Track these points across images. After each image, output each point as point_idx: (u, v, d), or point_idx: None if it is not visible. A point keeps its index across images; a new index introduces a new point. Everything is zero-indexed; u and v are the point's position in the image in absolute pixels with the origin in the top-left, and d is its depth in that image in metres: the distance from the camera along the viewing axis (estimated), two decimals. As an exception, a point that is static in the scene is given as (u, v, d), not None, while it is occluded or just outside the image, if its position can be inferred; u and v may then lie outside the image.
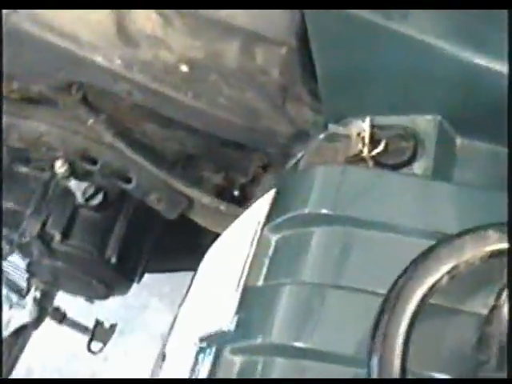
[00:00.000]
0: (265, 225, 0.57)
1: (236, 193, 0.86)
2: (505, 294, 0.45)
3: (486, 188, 0.55)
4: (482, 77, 0.54)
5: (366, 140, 0.57)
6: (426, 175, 0.56)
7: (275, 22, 0.59)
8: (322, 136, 0.63)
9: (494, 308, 0.46)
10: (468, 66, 0.53)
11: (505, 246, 0.41)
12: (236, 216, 0.84)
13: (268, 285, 0.54)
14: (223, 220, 0.88)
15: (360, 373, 0.46)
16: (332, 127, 0.62)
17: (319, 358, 0.49)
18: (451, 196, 0.54)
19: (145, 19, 0.62)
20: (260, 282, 0.55)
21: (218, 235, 0.96)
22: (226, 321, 0.54)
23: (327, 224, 0.54)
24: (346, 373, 0.48)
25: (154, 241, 0.93)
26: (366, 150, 0.57)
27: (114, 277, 0.89)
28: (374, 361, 0.40)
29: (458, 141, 0.59)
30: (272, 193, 0.59)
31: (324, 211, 0.54)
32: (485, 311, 0.46)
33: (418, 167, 0.57)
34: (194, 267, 0.92)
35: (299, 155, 0.67)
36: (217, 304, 0.58)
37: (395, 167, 0.57)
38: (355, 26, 0.55)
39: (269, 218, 0.58)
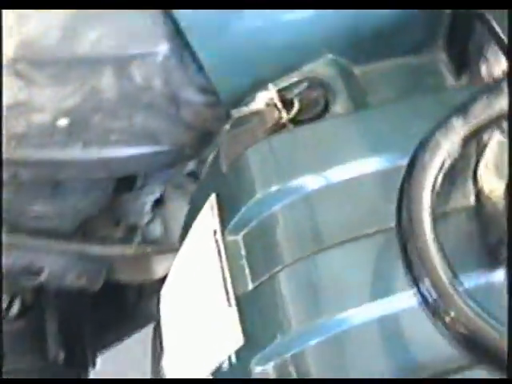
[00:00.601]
0: (223, 230, 0.54)
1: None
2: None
3: (404, 98, 0.56)
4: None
5: (279, 105, 0.56)
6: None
7: (141, 34, 0.56)
8: (228, 126, 0.61)
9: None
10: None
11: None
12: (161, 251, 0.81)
13: (260, 283, 0.51)
14: (150, 263, 0.84)
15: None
16: (236, 111, 0.59)
17: (346, 322, 0.47)
18: (382, 117, 0.53)
19: (5, 88, 0.56)
20: (250, 286, 0.51)
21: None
22: (234, 341, 0.50)
23: (284, 198, 0.52)
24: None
25: (92, 319, 0.87)
26: (284, 115, 0.55)
27: (67, 372, 0.82)
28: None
29: (356, 70, 0.59)
30: (212, 199, 0.56)
31: (274, 188, 0.52)
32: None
33: (338, 109, 0.56)
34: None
35: (210, 156, 0.64)
36: (214, 328, 0.54)
37: (317, 119, 0.56)
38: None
39: (223, 222, 0.55)
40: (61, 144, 0.61)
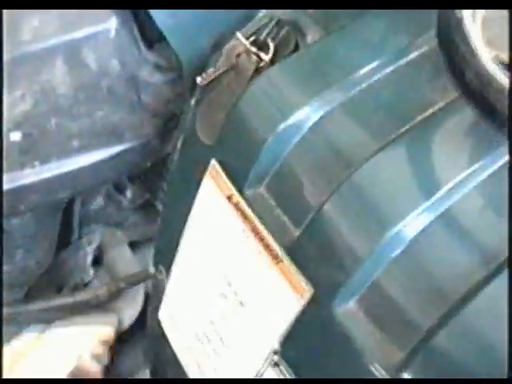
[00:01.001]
0: (240, 190, 0.49)
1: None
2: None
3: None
4: None
5: (254, 50, 0.52)
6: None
7: (87, 11, 0.50)
8: (193, 100, 0.56)
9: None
10: None
11: None
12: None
13: (306, 226, 0.45)
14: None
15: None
16: (201, 79, 0.54)
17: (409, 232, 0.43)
18: (361, 29, 0.51)
19: None
20: (295, 232, 0.46)
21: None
22: (301, 294, 0.45)
23: (296, 132, 0.47)
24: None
25: None
26: (264, 57, 0.52)
27: None
28: None
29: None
30: (214, 166, 0.50)
31: (282, 126, 0.47)
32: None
33: (310, 40, 0.53)
34: None
35: (179, 143, 0.58)
36: (267, 292, 0.48)
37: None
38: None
39: (236, 184, 0.49)
40: (16, 166, 0.52)
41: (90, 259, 0.81)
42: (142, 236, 0.81)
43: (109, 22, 0.51)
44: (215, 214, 0.51)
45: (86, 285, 0.80)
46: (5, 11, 0.48)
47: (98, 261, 0.82)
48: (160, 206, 0.73)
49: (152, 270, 0.68)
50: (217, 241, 0.52)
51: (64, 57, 0.50)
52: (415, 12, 0.52)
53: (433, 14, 0.51)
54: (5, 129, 0.50)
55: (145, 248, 0.83)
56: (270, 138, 0.47)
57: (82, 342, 0.72)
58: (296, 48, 0.53)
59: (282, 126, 0.47)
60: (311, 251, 0.45)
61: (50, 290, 0.79)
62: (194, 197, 0.54)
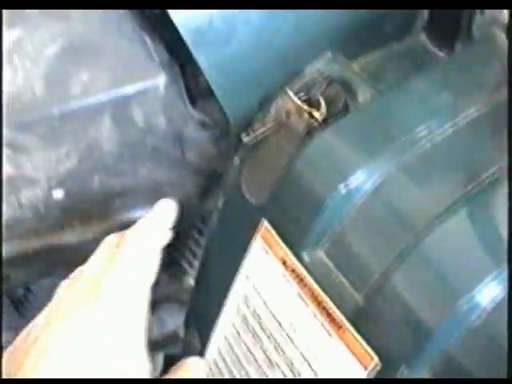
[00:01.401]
0: (297, 254, 0.46)
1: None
2: None
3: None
4: None
5: (306, 107, 0.51)
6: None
7: (137, 66, 0.49)
8: (237, 158, 0.54)
9: None
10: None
11: None
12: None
13: (373, 292, 0.43)
14: None
15: None
16: (251, 134, 0.53)
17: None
18: (412, 91, 0.50)
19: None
20: (359, 299, 0.44)
21: None
22: (366, 366, 0.42)
23: (357, 194, 0.45)
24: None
25: None
26: (317, 115, 0.50)
27: None
28: None
29: (360, 61, 0.56)
30: (266, 227, 0.48)
31: (343, 189, 0.45)
32: None
33: (361, 99, 0.52)
34: None
35: (220, 202, 0.56)
36: (327, 366, 0.45)
37: (342, 114, 0.51)
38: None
39: (291, 246, 0.47)
40: (56, 226, 0.50)
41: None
42: (161, 294, 0.78)
43: (158, 78, 0.49)
44: (266, 277, 0.49)
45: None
46: (53, 57, 0.46)
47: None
48: (186, 265, 0.70)
49: (182, 332, 0.65)
50: (268, 306, 0.49)
51: (112, 113, 0.48)
52: (468, 69, 0.51)
53: (487, 70, 0.51)
54: (47, 186, 0.48)
55: (162, 307, 0.81)
56: (329, 199, 0.45)
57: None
58: (345, 106, 0.52)
59: (342, 187, 0.45)
60: (377, 320, 0.43)
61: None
62: (239, 259, 0.52)
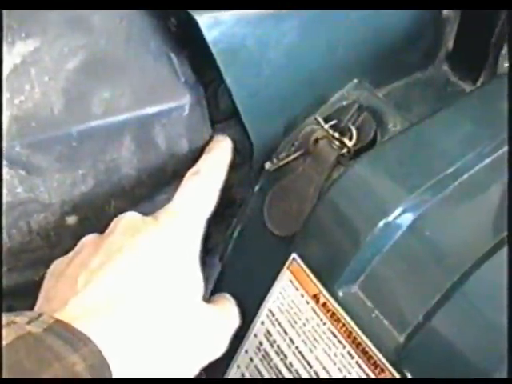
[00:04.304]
0: (331, 290, 0.44)
1: None
2: None
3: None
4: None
5: (336, 135, 0.48)
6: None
7: (161, 85, 0.45)
8: (257, 186, 0.51)
9: None
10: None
11: None
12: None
13: (413, 330, 0.41)
14: None
15: None
16: (275, 161, 0.50)
17: None
18: (444, 122, 0.48)
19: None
20: (400, 338, 0.41)
21: None
22: None
23: (395, 230, 0.43)
24: None
25: None
26: (348, 144, 0.48)
27: None
28: None
29: (384, 89, 0.54)
30: (297, 260, 0.45)
31: (381, 223, 0.43)
32: None
33: (391, 127, 0.50)
34: None
35: (236, 231, 0.53)
36: None
37: (373, 143, 0.49)
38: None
39: (327, 282, 0.44)
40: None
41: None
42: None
43: (183, 99, 0.46)
44: (294, 313, 0.46)
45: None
46: (73, 72, 0.43)
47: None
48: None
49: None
50: (295, 343, 0.46)
51: (133, 134, 0.45)
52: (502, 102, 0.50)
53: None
54: (60, 211, 0.44)
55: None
56: (369, 234, 0.42)
57: None
58: (375, 135, 0.50)
59: (382, 222, 0.43)
60: (420, 361, 0.40)
61: None
62: (260, 292, 0.49)
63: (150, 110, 0.45)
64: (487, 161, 0.46)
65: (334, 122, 0.49)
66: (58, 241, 0.45)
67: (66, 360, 0.34)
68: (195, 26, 0.43)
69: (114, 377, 0.36)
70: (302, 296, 0.45)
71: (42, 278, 0.45)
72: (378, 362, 0.41)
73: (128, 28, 0.45)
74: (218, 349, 0.47)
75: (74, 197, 0.45)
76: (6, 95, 0.41)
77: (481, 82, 0.56)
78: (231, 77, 0.45)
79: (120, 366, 0.37)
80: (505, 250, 0.41)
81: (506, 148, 0.46)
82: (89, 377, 0.34)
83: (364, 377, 0.42)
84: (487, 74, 0.56)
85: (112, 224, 0.44)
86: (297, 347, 0.46)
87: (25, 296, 0.45)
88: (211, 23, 0.43)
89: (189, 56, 0.47)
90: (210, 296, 0.52)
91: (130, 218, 0.44)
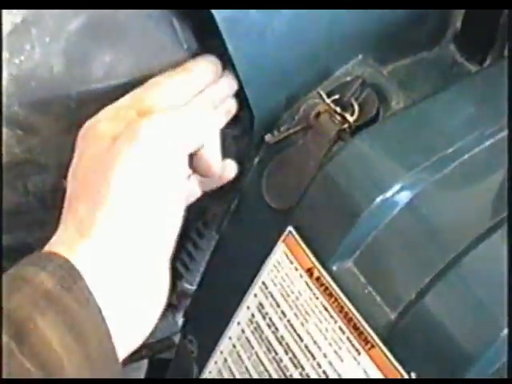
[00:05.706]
0: (325, 265, 0.43)
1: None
2: None
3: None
4: None
5: (338, 109, 0.48)
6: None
7: (162, 48, 0.45)
8: (257, 158, 0.51)
9: None
10: None
11: None
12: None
13: (405, 307, 0.40)
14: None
15: None
16: (276, 133, 0.50)
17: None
18: (449, 101, 0.48)
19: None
20: (391, 315, 0.41)
21: None
22: None
23: (393, 206, 0.43)
24: None
25: None
26: (349, 119, 0.47)
27: None
28: None
29: (389, 67, 0.54)
30: (292, 233, 0.45)
31: (379, 199, 0.42)
32: None
33: (394, 105, 0.50)
34: None
35: (233, 204, 0.53)
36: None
37: (375, 119, 0.49)
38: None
39: (318, 256, 0.44)
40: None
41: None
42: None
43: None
44: (287, 286, 0.46)
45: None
46: (74, 33, 0.42)
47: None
48: (181, 268, 0.66)
49: (177, 339, 0.62)
50: (287, 317, 0.46)
51: (134, 99, 0.44)
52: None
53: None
54: (57, 174, 0.44)
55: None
56: (366, 210, 0.42)
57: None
58: (377, 111, 0.49)
59: (380, 199, 0.42)
60: (411, 339, 0.40)
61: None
62: (255, 265, 0.49)
63: (150, 72, 0.44)
64: (488, 143, 0.45)
65: (336, 97, 0.49)
66: (53, 203, 0.45)
67: (34, 281, 0.35)
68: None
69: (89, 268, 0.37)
70: (296, 269, 0.45)
71: (35, 241, 0.44)
72: (369, 338, 0.41)
73: (131, -8, 0.44)
74: None
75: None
76: (5, 54, 0.41)
77: (487, 64, 0.56)
78: (234, 45, 0.45)
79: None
80: (501, 232, 0.41)
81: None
82: (59, 291, 0.35)
83: (354, 352, 0.42)
84: (494, 56, 0.55)
85: None
86: (288, 320, 0.46)
87: (17, 258, 0.45)
88: (216, -10, 0.42)
89: (192, 23, 0.46)
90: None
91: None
